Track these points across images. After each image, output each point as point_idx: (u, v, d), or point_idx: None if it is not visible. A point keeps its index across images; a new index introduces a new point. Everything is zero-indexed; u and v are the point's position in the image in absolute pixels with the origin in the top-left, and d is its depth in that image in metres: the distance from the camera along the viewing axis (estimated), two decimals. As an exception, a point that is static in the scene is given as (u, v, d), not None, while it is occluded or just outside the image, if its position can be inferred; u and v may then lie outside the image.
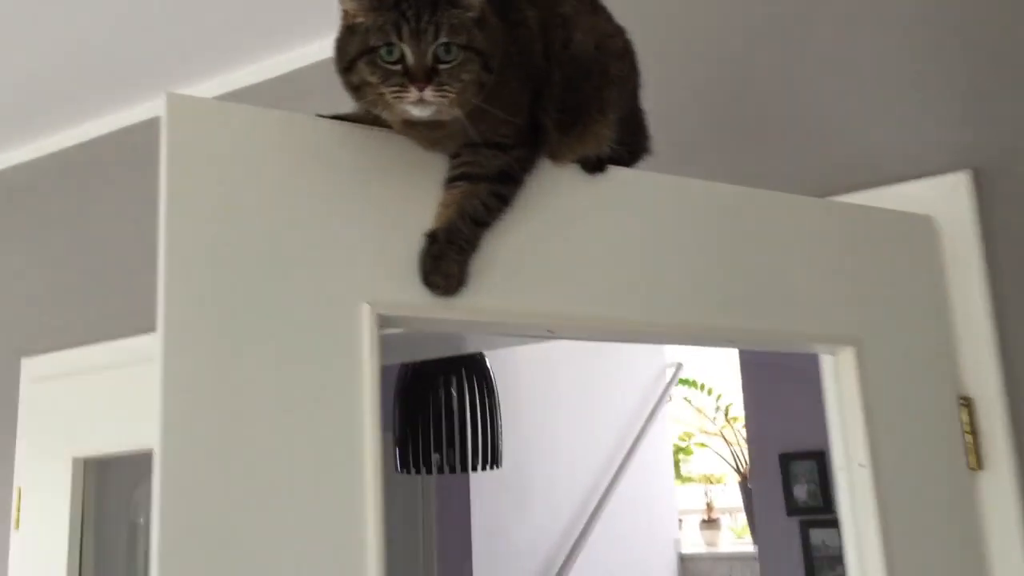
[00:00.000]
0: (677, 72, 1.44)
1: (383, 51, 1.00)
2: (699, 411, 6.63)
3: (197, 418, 0.95)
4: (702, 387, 6.46)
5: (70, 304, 2.61)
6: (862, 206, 1.45)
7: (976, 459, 1.40)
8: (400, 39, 1.00)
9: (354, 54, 1.02)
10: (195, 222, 0.99)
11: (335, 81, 1.07)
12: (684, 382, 6.33)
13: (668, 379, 5.97)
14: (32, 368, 2.60)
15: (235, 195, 1.02)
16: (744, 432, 6.10)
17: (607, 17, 1.24)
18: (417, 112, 1.02)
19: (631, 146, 1.26)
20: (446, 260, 1.08)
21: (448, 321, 1.12)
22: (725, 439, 6.45)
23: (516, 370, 4.19)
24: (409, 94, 1.00)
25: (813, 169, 1.61)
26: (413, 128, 1.07)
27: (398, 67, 1.00)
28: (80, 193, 2.69)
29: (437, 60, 1.00)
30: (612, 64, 1.20)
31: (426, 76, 1.00)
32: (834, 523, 3.92)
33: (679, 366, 6.09)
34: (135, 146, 2.60)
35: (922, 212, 1.48)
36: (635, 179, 1.25)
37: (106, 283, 2.57)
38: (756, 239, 1.32)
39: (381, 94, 1.01)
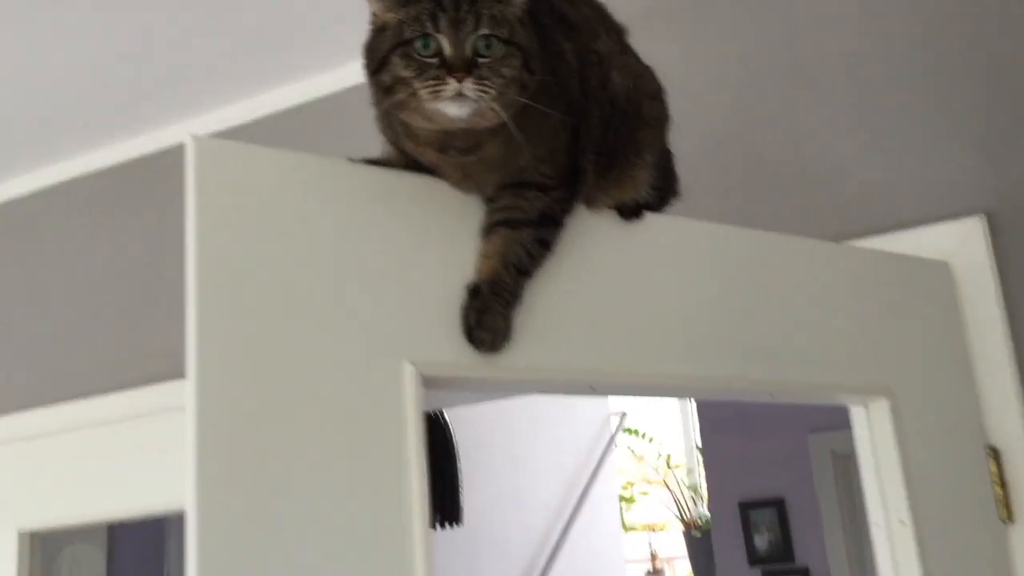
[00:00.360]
0: (692, 116, 1.40)
1: (419, 43, 0.93)
2: (640, 459, 6.60)
3: (233, 479, 0.85)
4: (643, 435, 6.43)
5: (15, 365, 2.44)
6: (882, 252, 1.43)
7: (1007, 511, 1.37)
8: (437, 30, 0.93)
9: (387, 50, 0.94)
10: (226, 274, 0.90)
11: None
12: (628, 431, 6.29)
13: (613, 428, 5.92)
14: (-30, 432, 2.41)
15: (267, 246, 0.93)
16: (685, 480, 6.10)
17: (636, 57, 1.19)
18: (455, 110, 0.93)
19: (662, 190, 1.20)
20: (491, 314, 1.00)
21: (492, 380, 1.04)
22: (668, 487, 6.43)
23: (464, 422, 4.10)
24: (447, 87, 0.92)
25: (826, 213, 1.59)
26: (445, 154, 1.00)
27: (435, 59, 0.93)
28: (28, 246, 2.53)
29: (477, 53, 0.93)
30: (646, 105, 1.15)
31: (466, 67, 0.92)
32: (796, 572, 3.88)
33: (623, 415, 6.06)
34: (89, 198, 2.47)
35: (937, 257, 1.46)
36: (671, 226, 1.20)
37: (54, 343, 2.41)
38: (788, 286, 1.28)
39: (415, 92, 0.93)
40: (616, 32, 1.17)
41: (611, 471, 6.00)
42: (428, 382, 0.98)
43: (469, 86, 0.92)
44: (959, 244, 1.47)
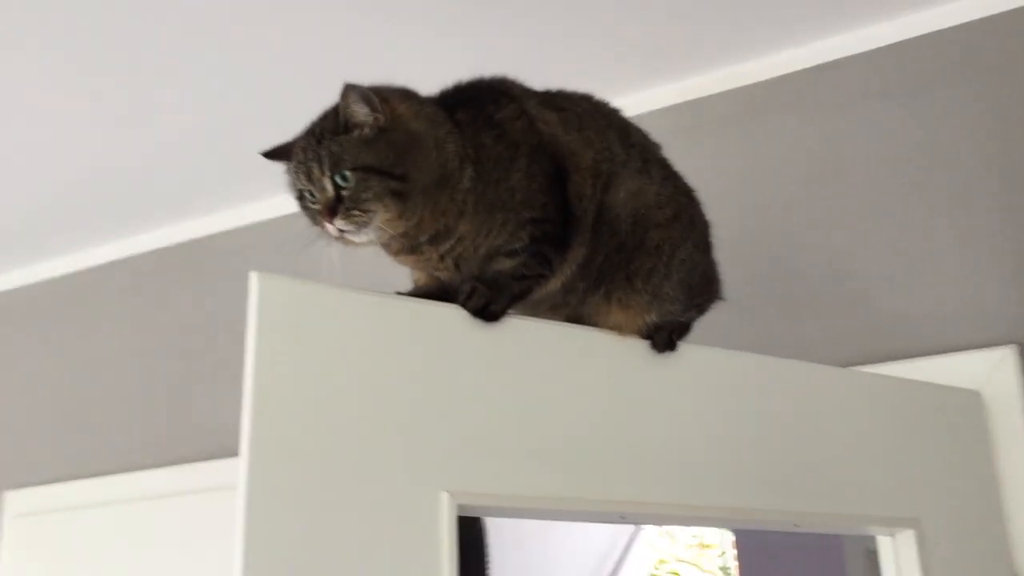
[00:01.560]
0: (723, 231, 1.45)
1: (305, 198, 1.06)
2: (672, 538, 6.54)
3: None
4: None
5: (58, 437, 2.52)
6: (912, 380, 1.45)
7: (1034, 644, 1.37)
8: (302, 183, 1.05)
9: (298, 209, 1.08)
10: (279, 399, 0.95)
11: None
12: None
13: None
14: (16, 503, 2.49)
15: (316, 375, 0.98)
16: (718, 562, 6.01)
17: (661, 180, 1.21)
18: (355, 241, 1.05)
19: (699, 301, 1.24)
20: (496, 303, 1.07)
21: (523, 509, 1.08)
22: (700, 568, 6.34)
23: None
24: (328, 230, 1.04)
25: (857, 334, 1.62)
26: (421, 253, 1.10)
27: (316, 206, 1.05)
28: (72, 323, 2.63)
29: (339, 189, 1.03)
30: (651, 234, 1.17)
31: (330, 209, 1.03)
32: None
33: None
34: (129, 278, 2.56)
35: (968, 385, 1.48)
36: (704, 356, 1.24)
37: (96, 417, 2.49)
38: (817, 416, 1.31)
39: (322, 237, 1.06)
40: (638, 147, 1.20)
41: (642, 547, 5.94)
42: (463, 509, 1.02)
43: (339, 223, 1.03)
44: (990, 373, 1.49)
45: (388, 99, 1.07)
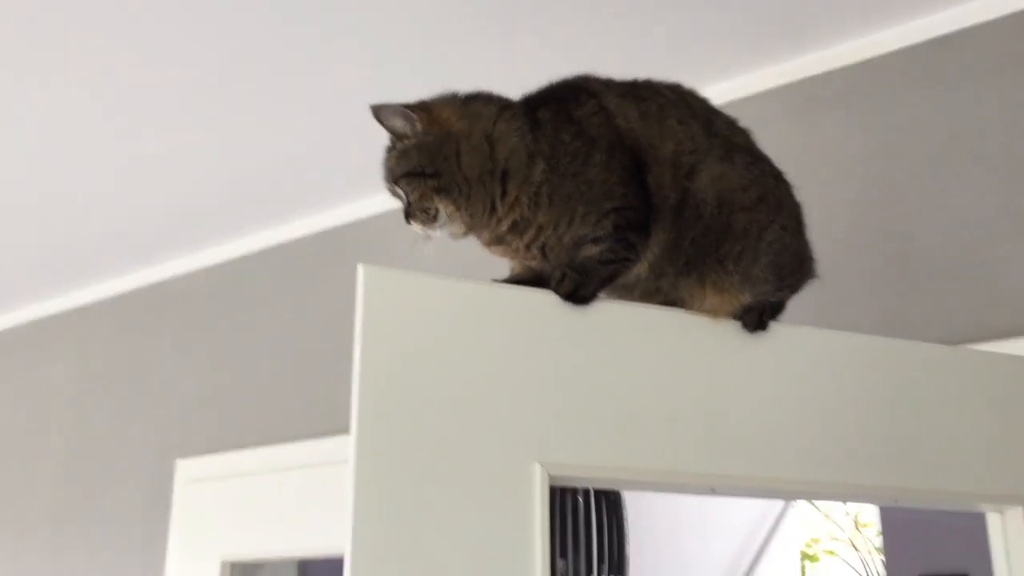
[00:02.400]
0: (836, 208, 1.46)
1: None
2: (826, 516, 6.40)
3: (381, 542, 1.00)
4: (830, 491, 6.21)
5: (225, 409, 2.75)
6: (1018, 356, 1.42)
7: None
8: (390, 194, 1.20)
9: None
10: (385, 383, 1.05)
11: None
12: (811, 486, 6.09)
13: (795, 483, 5.76)
14: (186, 470, 2.73)
15: (421, 357, 1.08)
16: (875, 542, 5.85)
17: (745, 164, 1.23)
18: (433, 235, 1.18)
19: (790, 281, 1.26)
20: (585, 287, 1.15)
21: (615, 480, 1.15)
22: (854, 546, 6.19)
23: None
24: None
25: (971, 314, 1.60)
26: (507, 244, 1.20)
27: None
28: (237, 304, 2.85)
29: (405, 196, 1.17)
30: (739, 216, 1.21)
31: (404, 214, 1.18)
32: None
33: (806, 470, 5.87)
34: (289, 262, 2.75)
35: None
36: (795, 335, 1.26)
37: (259, 391, 2.70)
38: (919, 393, 1.31)
39: None
40: (722, 136, 1.24)
41: (792, 525, 5.85)
42: (555, 480, 1.10)
43: (415, 225, 1.18)
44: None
45: (430, 108, 1.18)
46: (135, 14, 1.81)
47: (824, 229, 1.35)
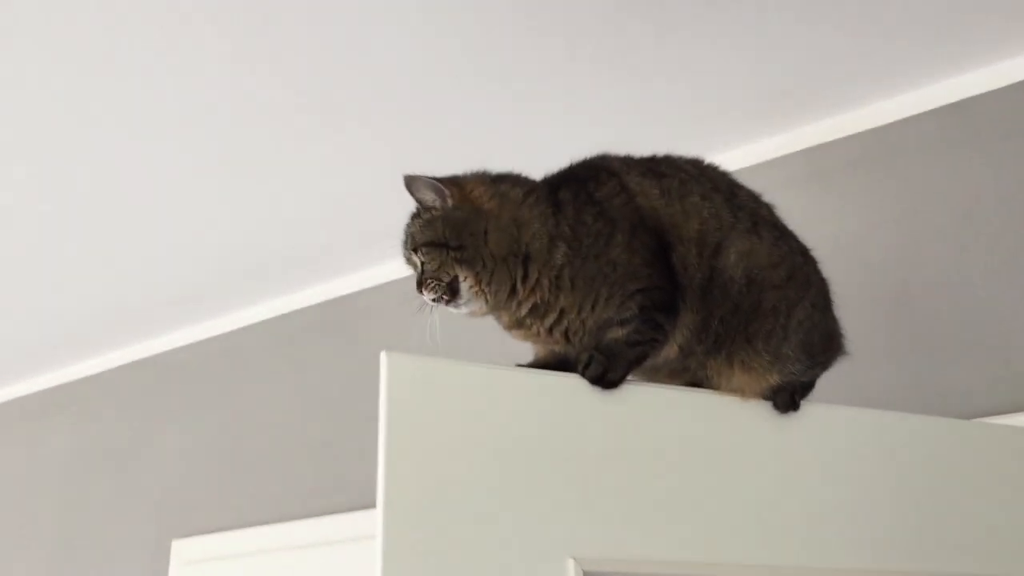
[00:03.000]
0: (854, 278, 1.44)
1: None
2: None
3: None
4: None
5: (224, 486, 2.68)
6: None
7: None
8: (405, 261, 1.20)
9: None
10: (411, 473, 1.00)
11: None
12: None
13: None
14: (183, 550, 2.65)
15: (447, 446, 1.03)
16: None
17: (773, 240, 1.21)
18: (457, 311, 1.16)
19: (821, 359, 1.23)
20: (613, 371, 1.11)
21: (651, 575, 1.10)
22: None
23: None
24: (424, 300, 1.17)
25: (986, 387, 1.57)
26: (528, 328, 1.18)
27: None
28: (236, 377, 2.80)
29: (423, 264, 1.16)
30: (766, 295, 1.18)
31: (417, 282, 1.16)
32: None
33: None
34: (289, 335, 2.71)
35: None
36: (826, 415, 1.23)
37: (260, 467, 2.63)
38: (948, 472, 1.27)
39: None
40: (747, 209, 1.22)
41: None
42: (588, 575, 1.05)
43: (426, 295, 1.15)
44: None
45: (462, 184, 1.18)
46: (123, 77, 1.80)
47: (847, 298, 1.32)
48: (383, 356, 1.04)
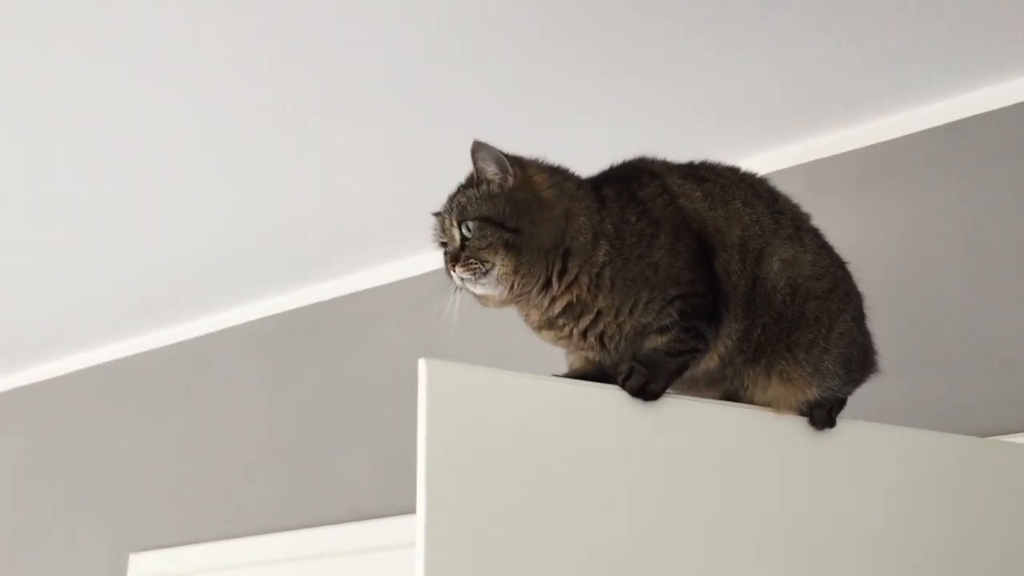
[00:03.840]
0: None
1: (444, 251, 1.12)
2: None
3: None
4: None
5: (185, 499, 2.57)
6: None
7: None
8: (441, 232, 1.13)
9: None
10: (450, 481, 0.97)
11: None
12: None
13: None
14: (141, 565, 2.54)
15: (486, 456, 0.99)
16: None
17: (816, 249, 1.19)
18: (474, 291, 1.10)
19: (857, 376, 1.21)
20: (654, 383, 1.07)
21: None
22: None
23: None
24: (452, 278, 1.10)
25: (998, 405, 1.56)
26: (559, 329, 1.12)
27: (449, 255, 1.12)
28: (199, 386, 2.69)
29: (464, 239, 1.09)
30: (811, 306, 1.15)
31: (454, 257, 1.09)
32: None
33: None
34: (258, 342, 2.62)
35: None
36: (862, 433, 1.20)
37: (223, 479, 2.53)
38: (975, 493, 1.26)
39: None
40: (788, 215, 1.19)
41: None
42: (631, 595, 1.01)
43: (460, 272, 1.08)
44: None
45: (525, 166, 1.12)
46: (108, 70, 1.71)
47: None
48: (421, 364, 0.99)
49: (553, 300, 1.10)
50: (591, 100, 1.79)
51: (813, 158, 1.87)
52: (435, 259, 2.26)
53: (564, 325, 1.12)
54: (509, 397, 1.02)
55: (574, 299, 1.10)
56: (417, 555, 0.93)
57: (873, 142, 1.82)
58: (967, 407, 1.61)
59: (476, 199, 1.10)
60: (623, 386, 1.07)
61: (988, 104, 1.73)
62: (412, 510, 2.19)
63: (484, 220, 1.08)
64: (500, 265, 1.08)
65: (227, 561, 2.40)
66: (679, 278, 1.10)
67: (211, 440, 2.59)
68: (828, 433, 1.18)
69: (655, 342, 1.10)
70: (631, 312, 1.10)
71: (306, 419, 2.44)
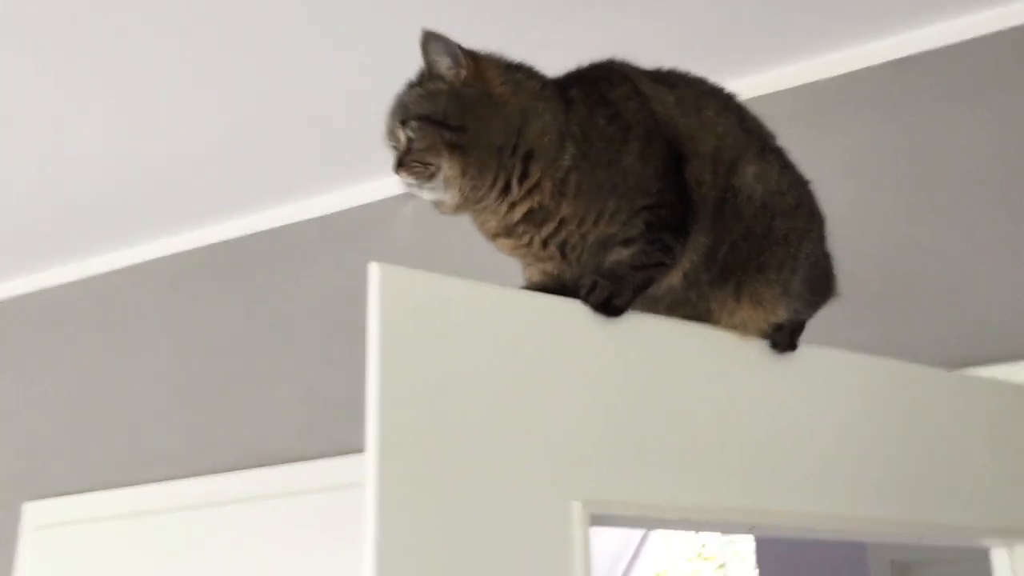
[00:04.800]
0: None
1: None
2: (673, 547, 6.47)
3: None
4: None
5: (82, 444, 2.43)
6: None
7: None
8: (388, 135, 1.04)
9: None
10: (404, 401, 0.88)
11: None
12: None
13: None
14: (35, 514, 2.38)
15: (443, 371, 0.91)
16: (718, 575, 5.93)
17: (780, 167, 1.14)
18: (422, 196, 1.03)
19: (818, 298, 1.16)
20: (618, 297, 1.00)
21: (656, 519, 1.01)
22: (702, 579, 6.27)
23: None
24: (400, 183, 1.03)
25: (952, 337, 1.56)
26: (518, 237, 1.05)
27: None
28: (97, 324, 2.53)
29: (410, 141, 1.01)
30: (779, 222, 1.10)
31: (398, 161, 1.01)
32: None
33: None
34: (157, 282, 2.47)
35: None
36: (823, 358, 1.17)
37: (117, 427, 2.40)
38: (937, 422, 1.24)
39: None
40: (755, 133, 1.14)
41: (649, 555, 5.86)
42: (595, 519, 0.95)
43: (404, 176, 1.01)
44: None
45: (479, 59, 1.04)
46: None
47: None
48: (373, 268, 0.90)
49: (513, 206, 1.02)
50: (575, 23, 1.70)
51: (752, 95, 1.83)
52: (358, 193, 2.24)
53: (524, 233, 1.04)
54: (472, 308, 0.94)
55: (536, 205, 1.02)
56: (369, 487, 0.84)
57: (815, 79, 1.79)
58: (942, 337, 1.59)
59: (419, 97, 1.02)
60: (586, 300, 1.00)
61: (934, 41, 1.71)
62: (334, 453, 2.12)
63: (424, 119, 1.00)
64: (446, 168, 0.99)
65: (126, 509, 2.28)
66: (647, 187, 1.03)
67: (115, 382, 2.44)
68: (791, 357, 1.14)
69: (620, 255, 1.03)
70: (596, 221, 1.02)
71: (212, 361, 2.31)
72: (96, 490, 2.34)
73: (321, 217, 2.28)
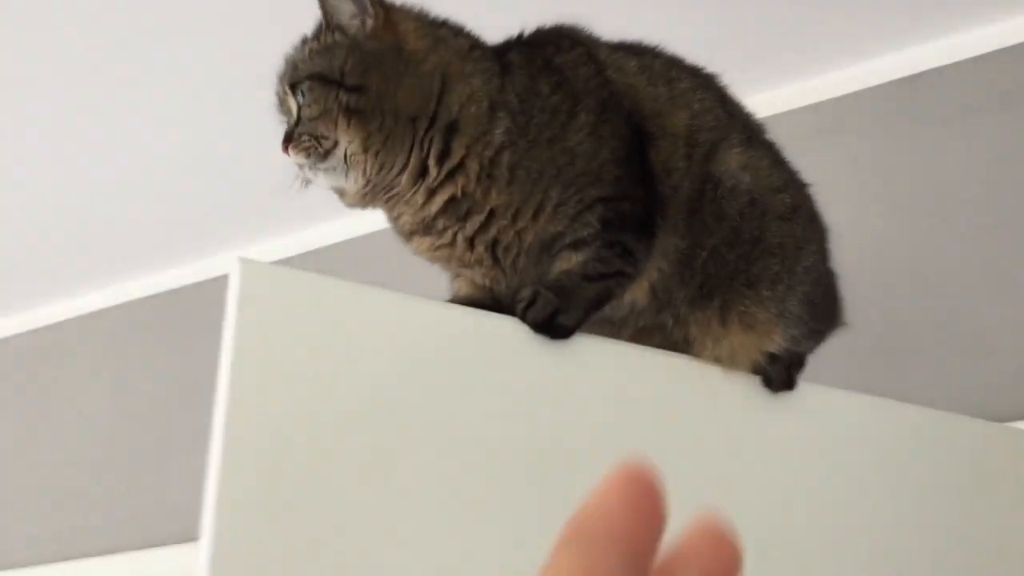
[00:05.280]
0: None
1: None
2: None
3: None
4: None
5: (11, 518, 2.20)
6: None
7: None
8: (279, 106, 0.85)
9: None
10: (260, 409, 0.69)
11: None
12: None
13: None
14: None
15: (306, 375, 0.71)
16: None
17: (772, 159, 0.93)
18: (316, 181, 0.83)
19: (821, 325, 0.94)
20: (565, 315, 0.79)
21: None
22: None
23: None
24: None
25: (974, 388, 1.34)
26: (437, 234, 0.84)
27: None
28: (22, 385, 2.34)
29: (301, 110, 0.82)
30: (774, 228, 0.89)
31: (286, 135, 0.82)
32: None
33: None
34: (92, 337, 2.28)
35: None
36: (827, 399, 0.94)
37: (51, 495, 2.17)
38: (960, 473, 1.02)
39: None
40: (739, 118, 0.94)
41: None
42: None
43: (293, 155, 0.81)
44: None
45: (391, 9, 0.83)
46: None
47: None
48: (235, 262, 0.69)
49: (431, 193, 0.81)
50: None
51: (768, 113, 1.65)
52: (309, 238, 2.05)
53: (445, 229, 0.82)
54: (361, 320, 0.74)
55: (459, 192, 0.81)
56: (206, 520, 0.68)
57: (830, 96, 1.61)
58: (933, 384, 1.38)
59: (309, 53, 0.82)
60: (523, 317, 0.78)
61: (937, 60, 1.54)
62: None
63: (315, 79, 0.80)
64: (344, 141, 0.79)
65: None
66: (602, 174, 0.82)
67: (39, 450, 2.22)
68: (786, 397, 0.91)
69: (568, 262, 0.81)
70: (535, 215, 0.81)
71: (153, 419, 2.11)
72: (24, 567, 2.11)
73: (279, 261, 2.09)
